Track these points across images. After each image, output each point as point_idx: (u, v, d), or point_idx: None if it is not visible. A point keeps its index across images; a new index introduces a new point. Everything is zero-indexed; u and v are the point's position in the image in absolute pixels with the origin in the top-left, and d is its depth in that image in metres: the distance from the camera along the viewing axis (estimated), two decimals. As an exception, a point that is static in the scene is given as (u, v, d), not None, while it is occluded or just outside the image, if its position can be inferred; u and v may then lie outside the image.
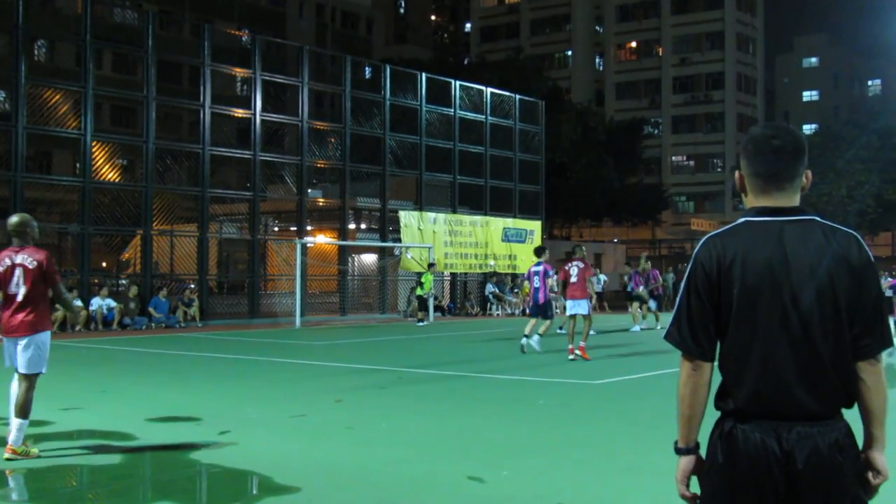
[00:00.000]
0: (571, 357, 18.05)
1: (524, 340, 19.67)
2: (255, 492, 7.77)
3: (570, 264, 19.07)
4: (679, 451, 3.29)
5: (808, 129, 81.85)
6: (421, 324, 30.71)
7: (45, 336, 8.57)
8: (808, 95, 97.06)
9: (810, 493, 2.99)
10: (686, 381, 3.23)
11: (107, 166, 28.88)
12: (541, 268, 19.45)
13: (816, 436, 3.00)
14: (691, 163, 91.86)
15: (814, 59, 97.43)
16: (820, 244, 3.08)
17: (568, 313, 18.99)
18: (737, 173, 3.32)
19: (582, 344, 18.56)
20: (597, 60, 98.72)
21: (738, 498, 3.08)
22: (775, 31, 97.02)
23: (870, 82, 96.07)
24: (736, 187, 3.38)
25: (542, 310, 19.40)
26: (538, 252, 20.42)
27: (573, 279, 18.82)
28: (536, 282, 19.38)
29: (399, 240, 35.79)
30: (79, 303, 25.77)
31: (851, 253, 3.08)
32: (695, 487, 3.26)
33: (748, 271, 3.09)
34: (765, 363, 3.07)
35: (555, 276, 19.95)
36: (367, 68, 41.05)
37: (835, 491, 3.01)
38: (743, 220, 3.22)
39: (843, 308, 3.05)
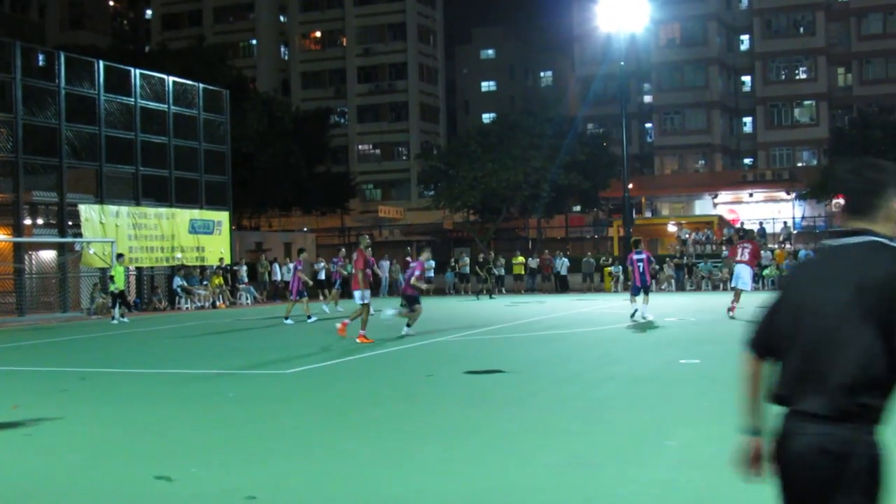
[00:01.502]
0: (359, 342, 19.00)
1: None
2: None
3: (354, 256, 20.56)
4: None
5: (486, 117, 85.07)
6: (123, 320, 29.55)
7: None
8: (487, 86, 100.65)
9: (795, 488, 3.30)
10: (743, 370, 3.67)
11: None
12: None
13: (817, 436, 3.23)
14: (377, 151, 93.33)
15: (491, 51, 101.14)
16: (858, 262, 3.32)
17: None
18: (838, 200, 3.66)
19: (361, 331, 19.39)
20: (282, 49, 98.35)
21: None
22: (455, 23, 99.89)
23: (542, 74, 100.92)
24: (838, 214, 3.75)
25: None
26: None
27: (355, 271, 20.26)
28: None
29: (80, 235, 34.31)
30: None
31: (882, 269, 3.26)
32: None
33: (796, 285, 3.49)
34: (791, 367, 3.40)
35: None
36: (39, 55, 39.01)
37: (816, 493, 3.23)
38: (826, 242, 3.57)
39: (871, 322, 3.20)
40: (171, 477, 7.63)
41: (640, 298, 24.02)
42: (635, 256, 24.31)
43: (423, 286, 21.26)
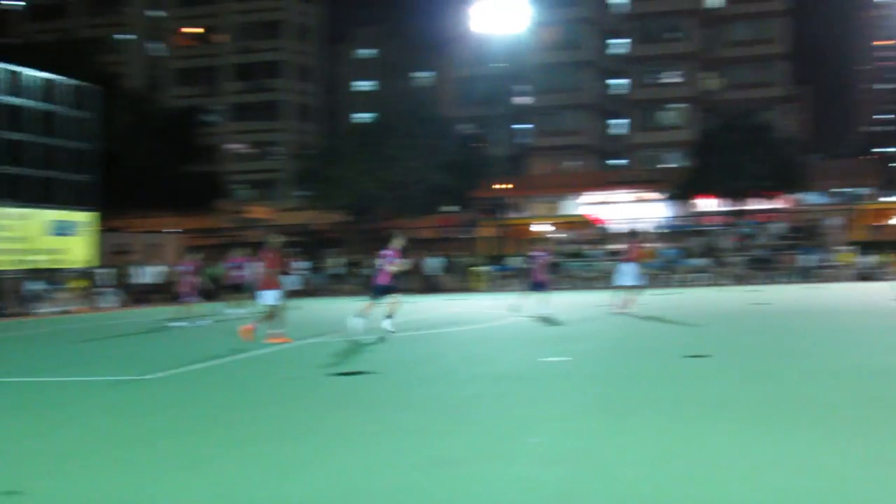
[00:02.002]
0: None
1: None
2: None
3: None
4: None
5: (366, 117, 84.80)
6: None
7: None
8: (366, 85, 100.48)
9: None
10: None
11: None
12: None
13: None
14: (252, 150, 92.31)
15: (371, 51, 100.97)
16: None
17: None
18: None
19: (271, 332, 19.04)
20: (154, 46, 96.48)
21: None
22: (334, 22, 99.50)
23: (422, 74, 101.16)
24: None
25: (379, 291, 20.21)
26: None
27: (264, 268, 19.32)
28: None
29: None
30: None
31: None
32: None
33: None
34: None
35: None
36: None
37: None
38: None
39: None
40: (23, 490, 7.18)
41: (534, 297, 24.75)
42: (533, 255, 25.47)
43: (404, 268, 20.71)
